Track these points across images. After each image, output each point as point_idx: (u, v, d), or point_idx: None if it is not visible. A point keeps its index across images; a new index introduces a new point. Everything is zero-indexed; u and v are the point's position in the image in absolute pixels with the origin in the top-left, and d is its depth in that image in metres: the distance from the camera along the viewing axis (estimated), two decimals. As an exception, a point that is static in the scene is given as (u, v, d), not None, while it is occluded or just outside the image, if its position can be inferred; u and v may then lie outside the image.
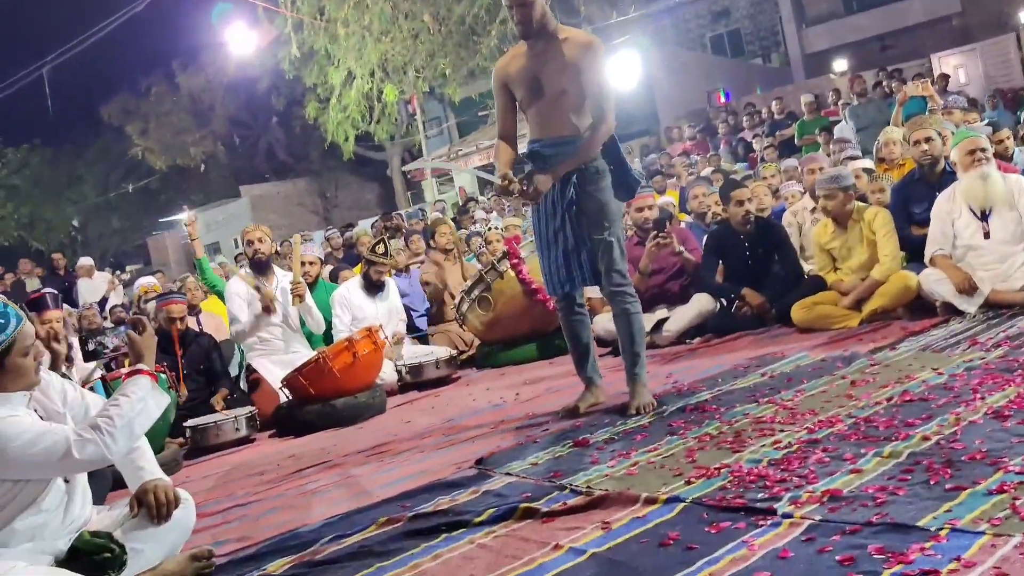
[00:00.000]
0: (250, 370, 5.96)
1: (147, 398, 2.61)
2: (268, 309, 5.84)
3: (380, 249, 6.40)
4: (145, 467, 2.81)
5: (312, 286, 6.35)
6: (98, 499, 2.92)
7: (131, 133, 25.78)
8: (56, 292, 5.16)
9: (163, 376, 4.86)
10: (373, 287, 6.43)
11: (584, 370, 4.10)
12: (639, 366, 3.90)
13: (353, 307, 6.30)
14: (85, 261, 12.49)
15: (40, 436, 2.42)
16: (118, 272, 14.53)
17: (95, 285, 11.57)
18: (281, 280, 6.05)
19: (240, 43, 15.33)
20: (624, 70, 16.51)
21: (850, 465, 2.58)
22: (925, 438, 2.69)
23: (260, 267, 6.01)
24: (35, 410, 2.59)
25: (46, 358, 4.39)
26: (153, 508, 2.71)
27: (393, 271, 6.80)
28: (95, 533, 2.61)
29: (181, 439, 5.15)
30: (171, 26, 30.59)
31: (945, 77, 13.80)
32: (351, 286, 6.44)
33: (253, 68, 20.36)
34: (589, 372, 4.10)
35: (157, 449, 4.75)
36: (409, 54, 16.20)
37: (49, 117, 19.49)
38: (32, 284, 12.08)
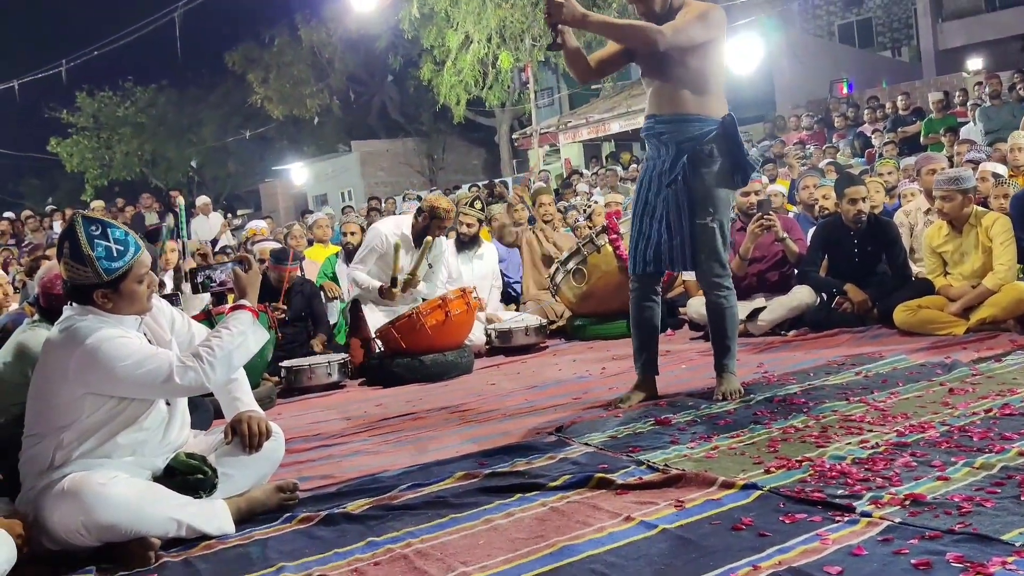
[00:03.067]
0: (356, 310, 5.97)
1: (247, 332, 2.74)
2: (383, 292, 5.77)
3: (478, 205, 6.48)
4: (241, 398, 2.95)
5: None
6: (202, 427, 3.08)
7: (252, 81, 26.52)
8: (172, 226, 5.40)
9: (264, 316, 5.06)
10: (464, 245, 6.49)
11: (642, 360, 3.92)
12: (728, 357, 3.82)
13: (448, 265, 6.32)
14: (203, 200, 13.00)
15: (146, 359, 2.56)
16: (229, 215, 15.06)
17: (210, 224, 12.05)
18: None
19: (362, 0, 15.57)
20: (744, 53, 16.14)
21: (937, 472, 2.51)
22: (1021, 453, 2.60)
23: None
24: (145, 334, 2.74)
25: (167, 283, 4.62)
26: (246, 437, 2.85)
27: (481, 228, 6.72)
28: (191, 455, 2.76)
29: (276, 377, 5.35)
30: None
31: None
32: (447, 247, 6.48)
33: (373, 26, 20.68)
34: (647, 365, 3.92)
35: (253, 384, 4.93)
36: (528, 21, 16.18)
37: (177, 60, 20.27)
38: (151, 218, 12.68)
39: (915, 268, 5.57)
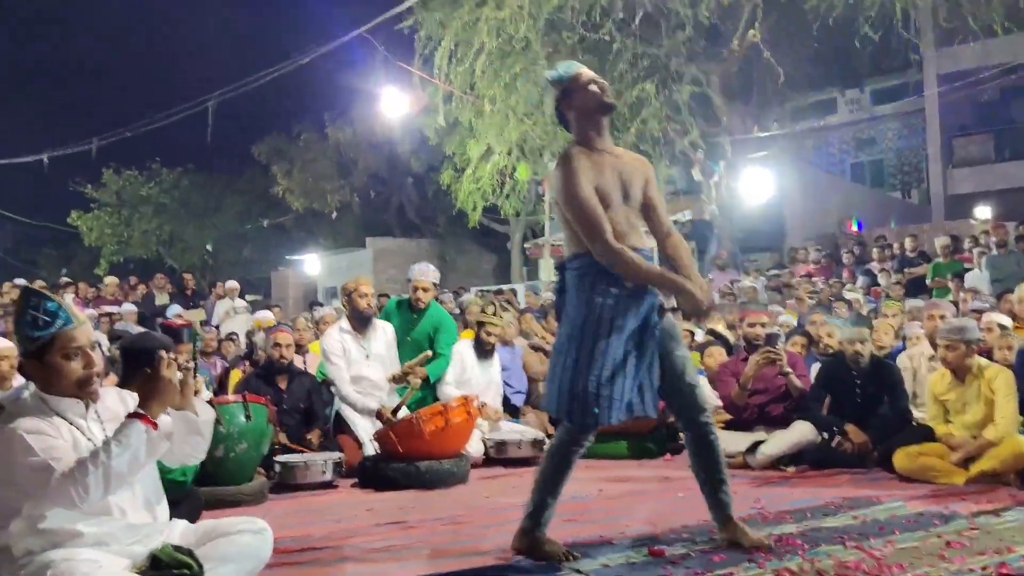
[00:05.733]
0: (338, 418, 6.09)
1: (134, 447, 2.50)
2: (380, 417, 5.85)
3: (490, 311, 6.59)
4: None
5: (423, 311, 6.42)
6: (190, 518, 3.05)
7: (276, 172, 27.14)
8: (191, 329, 5.47)
9: (264, 409, 5.07)
10: (485, 352, 6.58)
11: (547, 516, 3.53)
12: (728, 493, 3.55)
13: (465, 368, 6.44)
14: (232, 284, 13.00)
15: (36, 462, 2.43)
16: (234, 302, 15.12)
17: (234, 307, 12.06)
18: (382, 332, 6.21)
19: (393, 106, 16.11)
20: (756, 185, 16.54)
21: (932, 630, 2.47)
22: (1017, 618, 2.56)
23: (362, 319, 6.19)
24: (102, 424, 2.66)
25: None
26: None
27: (500, 339, 6.87)
28: (178, 548, 2.72)
29: (270, 472, 5.31)
30: (328, 80, 32.34)
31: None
32: (465, 347, 6.56)
33: (399, 131, 21.26)
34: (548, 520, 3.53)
35: (246, 479, 4.96)
36: (548, 138, 16.61)
37: (206, 146, 20.80)
38: (161, 299, 12.76)
39: (917, 413, 5.57)
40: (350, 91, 22.55)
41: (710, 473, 3.51)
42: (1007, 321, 6.27)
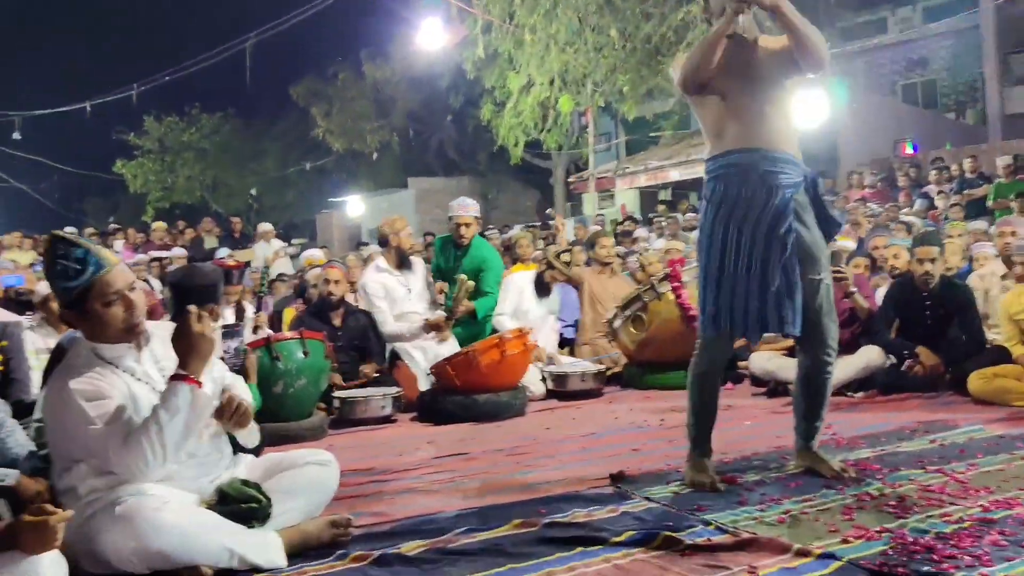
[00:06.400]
0: (394, 354, 6.06)
1: (182, 412, 2.43)
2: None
3: (566, 258, 6.54)
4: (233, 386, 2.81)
5: (466, 248, 6.28)
6: (255, 452, 3.01)
7: (315, 114, 27.00)
8: (243, 269, 5.46)
9: (321, 345, 5.04)
10: (544, 289, 6.58)
11: (709, 440, 3.40)
12: (819, 432, 3.45)
13: (524, 299, 6.46)
14: (264, 227, 13.14)
15: (94, 433, 2.40)
16: (285, 244, 15.18)
17: (271, 249, 12.16)
18: (420, 269, 6.25)
19: (431, 39, 15.78)
20: (808, 109, 15.99)
21: (1032, 554, 2.35)
22: (1124, 540, 2.43)
23: (402, 258, 6.14)
24: (162, 369, 2.60)
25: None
26: (223, 411, 2.65)
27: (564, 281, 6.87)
28: (245, 481, 2.70)
29: (328, 407, 5.30)
30: (364, 17, 31.98)
31: None
32: (524, 281, 6.57)
33: (437, 66, 20.94)
34: (704, 442, 3.40)
35: (305, 414, 4.96)
36: (591, 67, 16.21)
37: (245, 90, 20.72)
38: (210, 242, 12.83)
39: (989, 335, 5.37)
40: (387, 27, 22.29)
41: (811, 407, 3.41)
42: (1079, 236, 5.99)
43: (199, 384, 2.47)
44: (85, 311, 2.50)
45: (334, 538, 2.75)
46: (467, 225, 6.19)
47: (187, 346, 2.48)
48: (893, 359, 5.29)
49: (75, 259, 2.46)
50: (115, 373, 2.52)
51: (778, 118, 3.24)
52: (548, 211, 15.17)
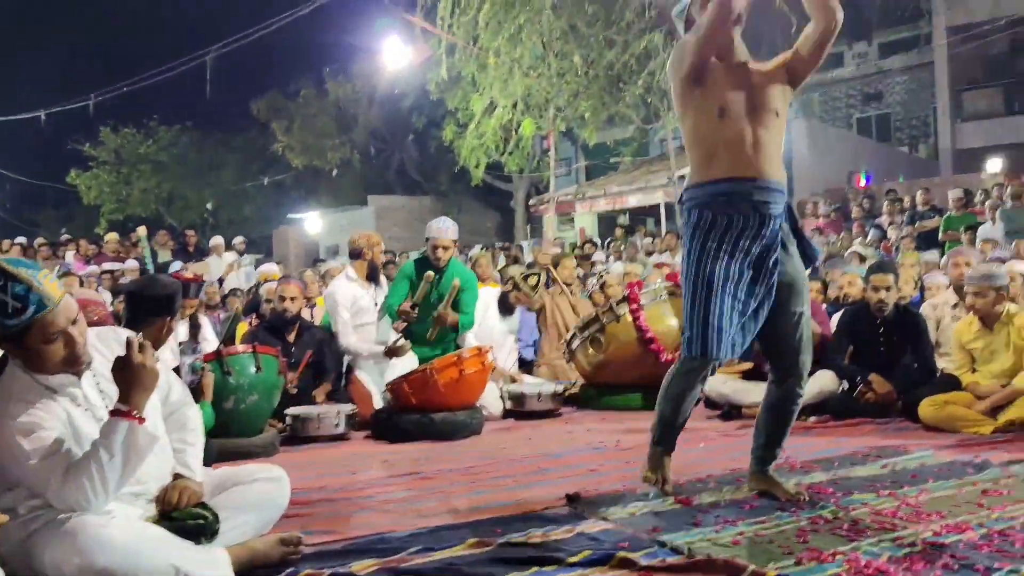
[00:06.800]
0: (349, 371, 6.00)
1: (126, 449, 2.32)
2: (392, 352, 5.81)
3: (533, 281, 6.57)
4: (188, 464, 2.72)
5: (443, 270, 6.03)
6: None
7: (275, 129, 26.84)
8: (201, 283, 5.38)
9: (275, 360, 4.96)
10: (507, 308, 6.66)
11: (674, 439, 3.48)
12: (779, 455, 3.51)
13: (487, 316, 6.49)
14: (216, 240, 13.02)
15: (32, 468, 2.30)
16: (239, 257, 15.01)
17: (223, 264, 12.02)
18: (386, 285, 6.25)
19: (394, 58, 15.80)
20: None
21: (983, 578, 2.38)
22: (1071, 565, 2.46)
23: (374, 272, 6.13)
24: (98, 385, 2.50)
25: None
26: (162, 502, 2.59)
27: (526, 305, 6.91)
28: (191, 498, 2.63)
29: (281, 424, 5.21)
30: (328, 34, 31.91)
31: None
32: (489, 298, 6.62)
33: (400, 85, 20.93)
34: (674, 442, 3.50)
35: (257, 430, 4.86)
36: (553, 92, 16.32)
37: (204, 103, 20.50)
38: (164, 255, 12.62)
39: (940, 363, 5.45)
40: (350, 45, 22.25)
41: (775, 434, 3.44)
42: (1028, 270, 6.13)
43: (140, 420, 2.35)
44: (24, 346, 2.35)
45: (284, 556, 2.70)
46: (445, 248, 5.98)
47: (128, 378, 2.35)
48: (846, 384, 5.35)
49: (15, 295, 2.28)
50: (54, 399, 2.39)
51: (772, 145, 3.16)
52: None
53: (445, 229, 5.99)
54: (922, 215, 12.62)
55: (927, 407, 4.77)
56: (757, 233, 3.12)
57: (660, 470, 3.43)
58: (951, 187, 13.62)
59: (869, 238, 12.59)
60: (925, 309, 5.91)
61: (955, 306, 5.73)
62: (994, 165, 17.85)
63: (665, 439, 3.46)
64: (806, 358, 3.34)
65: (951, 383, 4.92)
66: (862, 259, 8.90)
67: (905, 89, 24.62)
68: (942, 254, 9.15)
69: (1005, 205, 10.84)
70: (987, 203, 11.89)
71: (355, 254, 6.31)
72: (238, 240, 13.43)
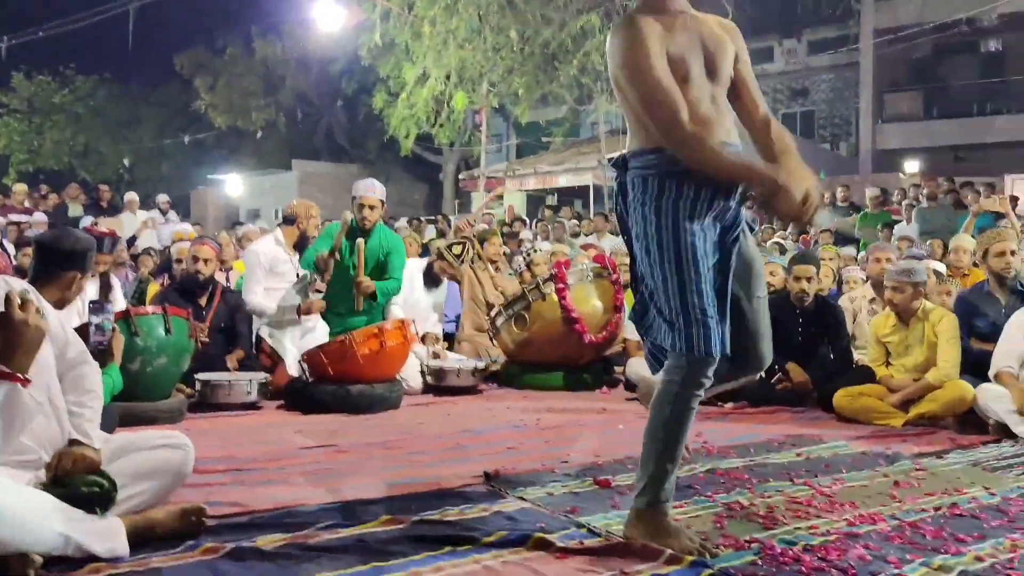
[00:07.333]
0: (259, 339, 5.81)
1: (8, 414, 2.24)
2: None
3: (457, 251, 6.49)
4: (81, 428, 2.54)
5: (369, 232, 5.81)
6: (107, 430, 2.77)
7: (199, 86, 26.02)
8: (116, 239, 5.19)
9: (185, 323, 4.74)
10: (433, 280, 6.60)
11: (668, 489, 2.57)
12: None
13: (414, 289, 6.40)
14: (131, 196, 12.55)
15: None
16: (154, 217, 14.48)
17: (137, 222, 11.58)
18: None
19: (327, 20, 15.41)
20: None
21: (894, 569, 2.40)
22: (978, 558, 2.50)
23: (305, 242, 5.95)
24: None
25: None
26: (55, 469, 2.44)
27: (451, 276, 6.82)
28: (88, 463, 2.47)
29: (190, 389, 5.01)
30: (260, -9, 31.02)
31: (1015, 199, 13.51)
32: (414, 269, 6.51)
33: (331, 48, 20.49)
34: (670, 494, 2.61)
35: (164, 395, 4.66)
36: (488, 66, 16.18)
37: (125, 54, 19.74)
38: (75, 210, 12.10)
39: (856, 355, 5.55)
40: (281, 2, 21.64)
41: None
42: (942, 268, 6.30)
43: (25, 382, 2.19)
44: None
45: (185, 528, 2.56)
46: (371, 207, 5.74)
47: (10, 338, 2.18)
48: (763, 373, 5.39)
49: None
50: None
51: (728, 109, 2.71)
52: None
53: (372, 187, 5.81)
54: (840, 211, 12.91)
55: (842, 398, 4.85)
56: (725, 205, 2.59)
57: (683, 534, 2.55)
58: (869, 185, 13.98)
59: (789, 230, 12.83)
60: (842, 302, 6.02)
61: (873, 300, 5.84)
62: (912, 166, 18.41)
63: (666, 489, 2.58)
64: (763, 347, 2.79)
65: (866, 375, 5.01)
66: (782, 250, 9.04)
67: (831, 87, 25.14)
68: (859, 250, 9.37)
69: (921, 205, 11.15)
70: (903, 203, 12.25)
71: (289, 220, 6.21)
72: (162, 198, 12.94)
